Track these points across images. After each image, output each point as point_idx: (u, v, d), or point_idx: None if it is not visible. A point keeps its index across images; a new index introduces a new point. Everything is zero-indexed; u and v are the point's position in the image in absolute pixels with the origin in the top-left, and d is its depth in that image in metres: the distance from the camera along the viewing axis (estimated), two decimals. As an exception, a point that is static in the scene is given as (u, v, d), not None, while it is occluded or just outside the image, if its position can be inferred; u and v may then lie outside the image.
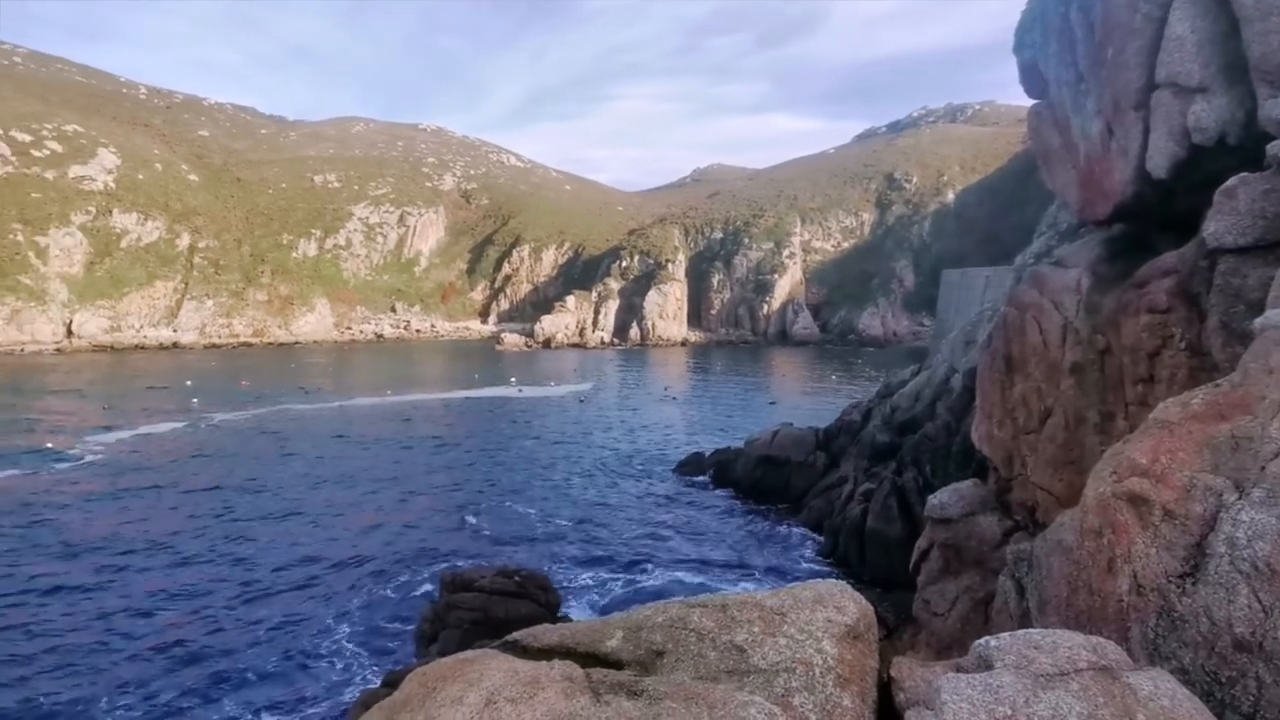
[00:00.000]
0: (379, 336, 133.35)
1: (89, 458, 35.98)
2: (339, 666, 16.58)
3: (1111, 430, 10.15)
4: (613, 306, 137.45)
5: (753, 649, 4.00)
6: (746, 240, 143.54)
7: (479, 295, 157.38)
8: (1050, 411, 11.89)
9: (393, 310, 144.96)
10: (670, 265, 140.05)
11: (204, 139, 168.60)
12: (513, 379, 70.42)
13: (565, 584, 20.42)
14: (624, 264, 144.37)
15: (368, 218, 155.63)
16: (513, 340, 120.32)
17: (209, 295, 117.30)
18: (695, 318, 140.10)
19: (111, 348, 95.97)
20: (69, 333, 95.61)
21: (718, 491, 31.63)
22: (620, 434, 44.90)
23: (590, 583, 21.42)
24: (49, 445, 37.50)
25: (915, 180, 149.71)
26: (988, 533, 12.80)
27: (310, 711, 14.69)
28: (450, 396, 61.08)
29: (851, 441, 29.26)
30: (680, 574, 22.07)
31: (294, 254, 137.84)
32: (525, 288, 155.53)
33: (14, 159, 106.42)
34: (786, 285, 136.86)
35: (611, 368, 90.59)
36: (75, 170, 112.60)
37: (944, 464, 21.26)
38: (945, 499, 13.75)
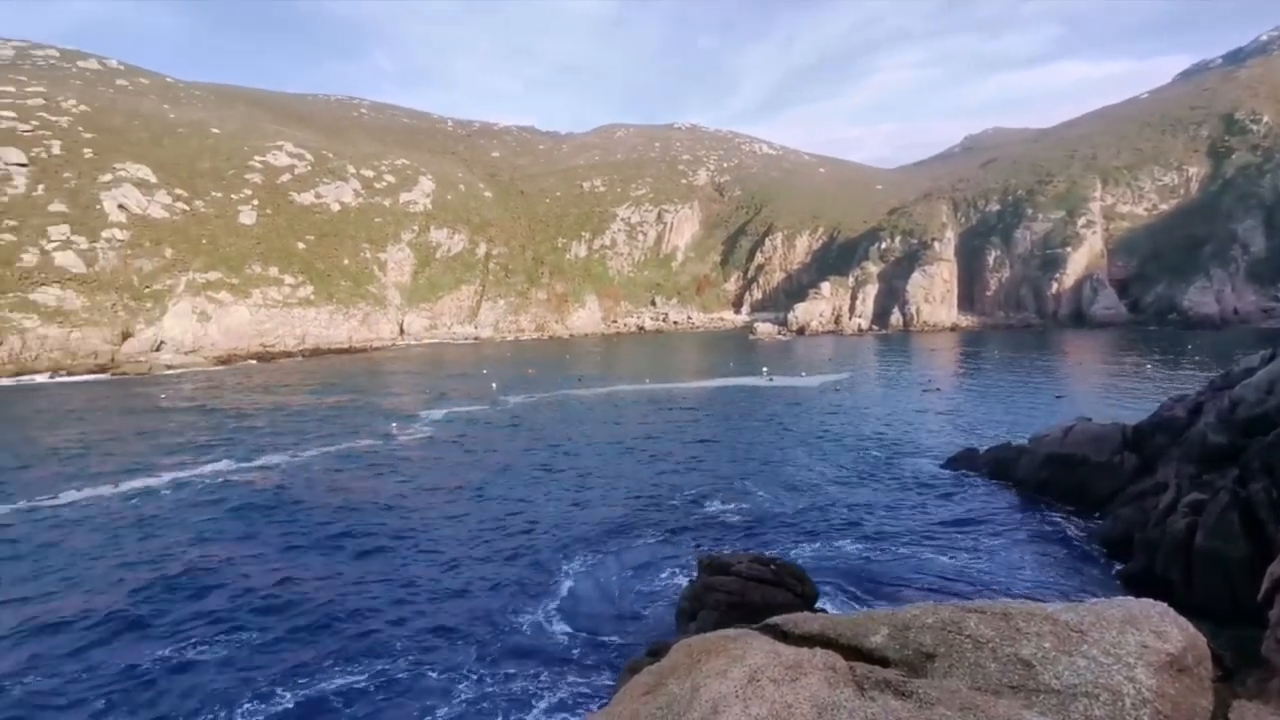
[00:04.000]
0: (641, 329, 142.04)
1: (420, 431, 43.74)
2: (606, 631, 17.99)
3: None
4: (871, 291, 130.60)
5: (1042, 666, 3.56)
6: (1030, 210, 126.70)
7: (732, 286, 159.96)
8: None
9: (653, 304, 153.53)
10: (936, 244, 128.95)
11: (495, 159, 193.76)
12: (765, 368, 70.47)
13: (817, 575, 19.96)
14: (883, 245, 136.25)
15: (629, 218, 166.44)
16: (766, 329, 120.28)
17: (501, 296, 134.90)
18: (967, 300, 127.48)
19: (431, 343, 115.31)
20: (401, 331, 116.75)
21: (994, 492, 28.53)
22: (880, 425, 42.61)
23: (844, 576, 20.67)
24: (393, 422, 46.30)
25: (1266, 119, 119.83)
26: (1384, 565, 9.87)
27: (579, 671, 16.15)
28: (704, 385, 63.04)
29: (1172, 442, 24.40)
30: (945, 576, 20.34)
31: (567, 256, 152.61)
32: (778, 276, 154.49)
33: (363, 191, 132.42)
34: (1082, 259, 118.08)
35: (870, 355, 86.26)
36: (404, 196, 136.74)
37: (1313, 474, 16.78)
38: (1315, 518, 10.87)
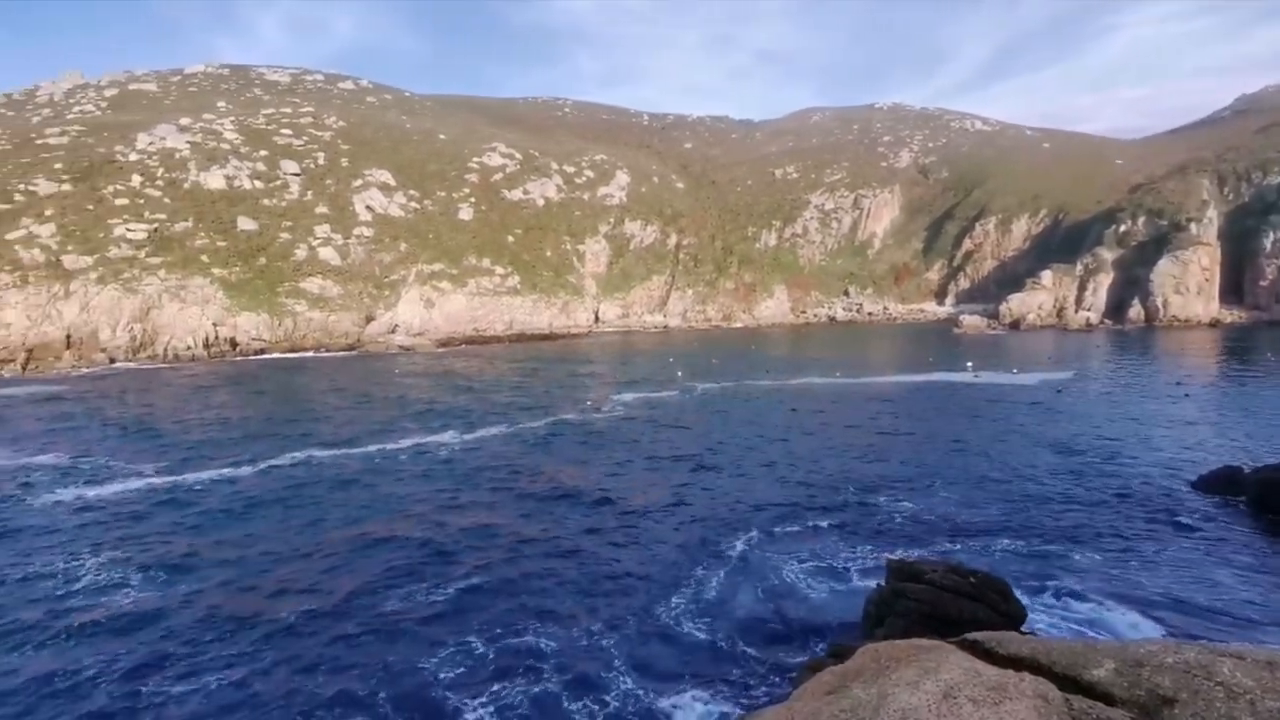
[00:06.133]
0: (832, 320, 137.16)
1: (613, 411, 46.07)
2: (779, 623, 17.60)
3: None
4: (1104, 281, 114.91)
5: (1323, 732, 2.95)
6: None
7: (935, 275, 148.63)
8: None
9: (845, 294, 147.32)
10: (1193, 225, 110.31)
11: (687, 151, 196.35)
12: (969, 364, 64.82)
13: (1019, 594, 18.08)
14: (1122, 228, 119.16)
15: (823, 205, 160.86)
16: (973, 322, 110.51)
17: (689, 286, 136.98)
18: (1233, 291, 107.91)
19: (622, 331, 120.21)
20: (596, 319, 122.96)
21: (1258, 521, 23.92)
22: (1111, 432, 37.45)
23: (1051, 598, 18.52)
24: (589, 401, 49.23)
25: None
26: None
27: (752, 660, 16.00)
28: (899, 380, 59.44)
29: None
30: (1183, 614, 17.45)
31: (757, 245, 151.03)
32: (989, 264, 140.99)
33: (564, 187, 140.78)
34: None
35: (1100, 354, 76.03)
36: (601, 190, 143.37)
37: None
38: None
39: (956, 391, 53.02)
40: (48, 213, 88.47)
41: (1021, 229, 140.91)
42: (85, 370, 70.15)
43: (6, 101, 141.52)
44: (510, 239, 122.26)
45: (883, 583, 18.28)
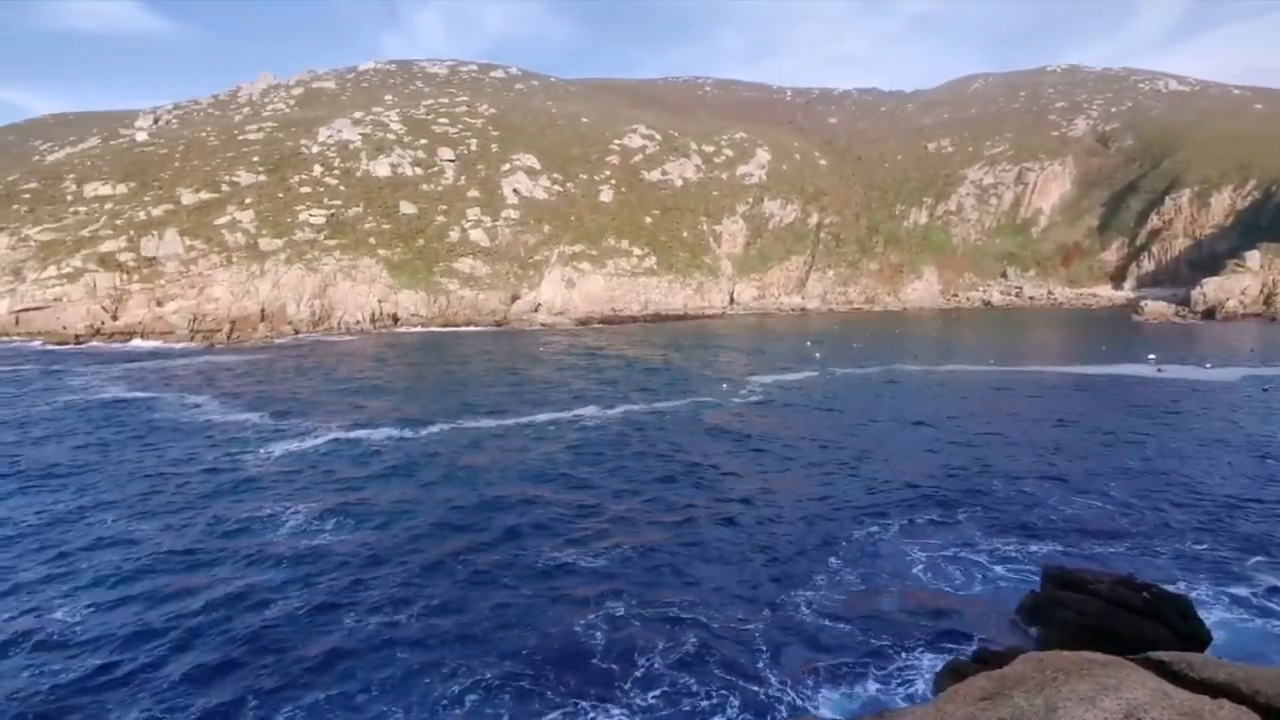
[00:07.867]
0: (986, 304, 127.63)
1: (751, 394, 45.79)
2: (921, 622, 16.84)
3: None
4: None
5: None
6: None
7: (1112, 256, 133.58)
8: None
9: (1003, 276, 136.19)
10: None
11: (832, 126, 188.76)
12: (1151, 355, 58.00)
13: (1202, 615, 16.15)
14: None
15: (980, 179, 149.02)
16: (1157, 308, 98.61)
17: (830, 267, 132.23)
18: None
19: (758, 312, 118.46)
20: (731, 300, 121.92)
21: None
22: (1331, 441, 32.29)
23: (1242, 622, 16.44)
24: (725, 383, 49.25)
25: None
26: None
27: (892, 660, 15.43)
28: (1065, 371, 54.34)
29: None
30: None
31: (905, 223, 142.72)
32: (1180, 243, 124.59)
33: (702, 166, 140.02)
34: None
35: (1320, 348, 65.41)
36: (741, 169, 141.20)
37: None
38: None
39: (1134, 386, 47.75)
40: (247, 200, 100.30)
41: (1223, 203, 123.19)
42: (277, 340, 79.28)
43: (214, 102, 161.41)
44: (648, 220, 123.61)
45: (1037, 589, 17.01)
